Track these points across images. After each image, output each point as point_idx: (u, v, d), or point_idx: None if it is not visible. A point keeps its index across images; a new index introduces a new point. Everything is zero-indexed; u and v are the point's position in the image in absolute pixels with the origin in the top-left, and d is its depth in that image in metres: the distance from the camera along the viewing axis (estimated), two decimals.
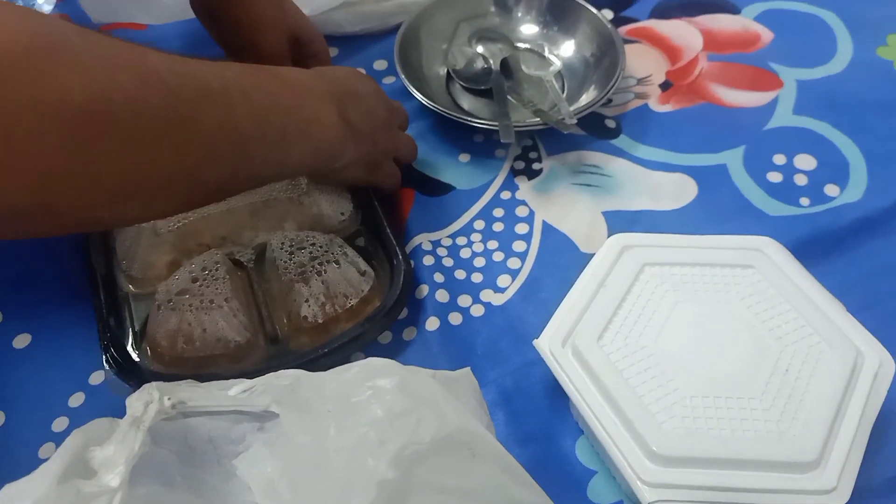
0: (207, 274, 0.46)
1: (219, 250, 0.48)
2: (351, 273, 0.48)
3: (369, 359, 0.32)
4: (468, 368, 0.36)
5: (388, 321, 0.48)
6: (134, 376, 0.43)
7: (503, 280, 0.52)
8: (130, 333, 0.46)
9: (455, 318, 0.50)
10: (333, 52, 0.68)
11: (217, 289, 0.45)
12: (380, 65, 0.67)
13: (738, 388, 0.38)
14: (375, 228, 0.52)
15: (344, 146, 0.46)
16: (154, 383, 0.29)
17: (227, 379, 0.34)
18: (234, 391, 0.32)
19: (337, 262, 0.48)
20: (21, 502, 0.25)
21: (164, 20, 0.68)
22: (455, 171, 0.59)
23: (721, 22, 0.69)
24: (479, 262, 0.53)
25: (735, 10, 0.70)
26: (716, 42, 0.67)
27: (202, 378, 0.36)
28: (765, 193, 0.56)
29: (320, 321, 0.46)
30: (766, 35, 0.68)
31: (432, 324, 0.50)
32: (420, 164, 0.59)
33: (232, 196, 0.47)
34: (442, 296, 0.51)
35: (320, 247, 0.48)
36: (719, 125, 0.61)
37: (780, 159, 0.58)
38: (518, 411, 0.46)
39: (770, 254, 0.44)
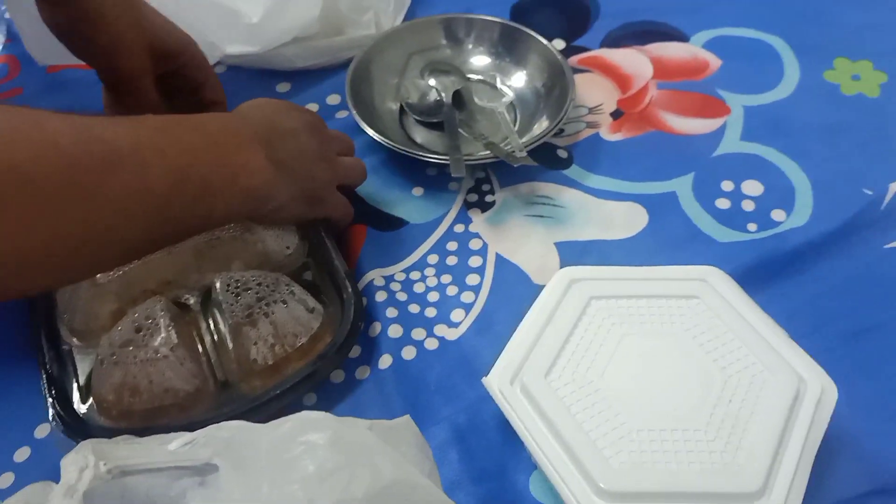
0: (151, 322, 0.45)
1: (163, 296, 0.48)
2: (299, 311, 0.48)
3: (303, 412, 0.31)
4: (408, 416, 0.36)
5: (341, 357, 0.48)
6: (80, 432, 0.42)
7: (457, 314, 0.52)
8: (76, 387, 0.45)
9: (409, 353, 0.50)
10: (285, 87, 0.68)
11: (161, 338, 0.44)
12: (333, 99, 0.67)
13: (684, 421, 0.39)
14: (324, 261, 0.52)
15: (275, 188, 0.45)
16: (89, 443, 0.29)
17: (178, 430, 0.34)
18: (175, 445, 0.31)
19: (284, 302, 0.48)
20: None
21: None
22: (408, 205, 0.59)
23: (670, 50, 0.70)
24: (433, 296, 0.53)
25: (684, 38, 0.71)
26: (665, 70, 0.68)
27: (152, 430, 0.36)
28: (713, 220, 0.57)
29: (270, 363, 0.46)
30: (715, 62, 0.69)
31: (385, 361, 0.50)
32: (373, 198, 0.59)
33: (156, 251, 0.47)
34: (395, 331, 0.51)
35: (267, 286, 0.48)
36: (669, 153, 0.62)
37: (728, 185, 0.59)
38: (471, 448, 0.46)
39: (714, 283, 0.45)
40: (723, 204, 0.58)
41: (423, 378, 0.49)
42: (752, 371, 0.41)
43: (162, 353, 0.44)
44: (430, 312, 0.52)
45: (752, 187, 0.59)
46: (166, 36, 0.55)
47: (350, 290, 0.49)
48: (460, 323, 0.52)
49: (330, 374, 0.48)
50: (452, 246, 0.56)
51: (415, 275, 0.55)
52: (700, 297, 0.44)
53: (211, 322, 0.49)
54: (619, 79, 0.68)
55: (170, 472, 0.31)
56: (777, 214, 0.57)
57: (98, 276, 0.48)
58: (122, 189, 0.36)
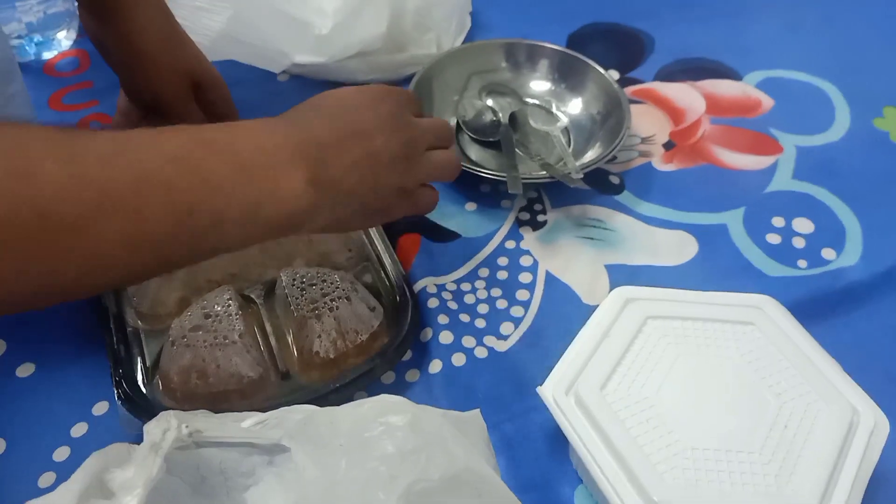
0: (220, 310, 0.46)
1: (229, 287, 0.49)
2: (361, 309, 0.49)
3: (382, 395, 0.32)
4: (478, 410, 0.37)
5: (398, 356, 0.49)
6: (145, 411, 0.43)
7: (506, 327, 0.53)
8: (140, 369, 0.47)
9: (458, 359, 0.51)
10: None
11: (230, 325, 0.46)
12: None
13: (738, 442, 0.39)
14: (382, 264, 0.53)
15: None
16: (171, 411, 0.30)
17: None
18: (248, 423, 0.32)
19: (348, 298, 0.49)
20: None
21: None
22: (461, 219, 0.60)
23: (723, 87, 0.72)
24: (483, 308, 0.54)
25: (737, 77, 0.73)
26: (718, 106, 0.70)
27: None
28: (763, 254, 0.57)
29: (332, 356, 0.47)
30: (767, 102, 0.70)
31: (435, 366, 0.51)
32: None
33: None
34: (446, 337, 0.52)
35: (331, 283, 0.49)
36: (720, 186, 0.63)
37: (778, 222, 0.60)
38: (518, 458, 0.46)
39: (769, 312, 0.45)
40: (773, 239, 0.59)
41: (472, 385, 0.50)
42: (806, 399, 0.41)
43: (231, 339, 0.45)
44: (480, 323, 0.53)
45: (803, 225, 0.59)
46: (206, 68, 0.56)
47: (407, 293, 0.50)
48: (509, 336, 0.53)
49: (386, 371, 0.49)
50: (503, 261, 0.57)
51: (465, 286, 0.56)
52: (756, 324, 0.44)
53: (273, 315, 0.50)
54: (672, 112, 0.69)
55: (241, 448, 0.32)
56: (827, 253, 0.57)
57: None
58: (110, 237, 0.32)
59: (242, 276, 0.51)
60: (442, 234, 0.59)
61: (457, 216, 0.61)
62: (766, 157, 0.65)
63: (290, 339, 0.48)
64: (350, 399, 0.41)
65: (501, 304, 0.55)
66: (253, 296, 0.50)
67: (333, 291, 0.49)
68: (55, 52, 0.72)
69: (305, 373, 0.47)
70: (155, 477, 0.27)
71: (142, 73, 0.53)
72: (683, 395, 0.41)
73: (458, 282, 0.56)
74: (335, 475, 0.29)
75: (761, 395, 0.41)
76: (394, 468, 0.28)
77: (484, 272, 0.57)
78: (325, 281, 0.49)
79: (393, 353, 0.48)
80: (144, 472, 0.27)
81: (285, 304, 0.48)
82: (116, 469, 0.27)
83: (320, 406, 0.33)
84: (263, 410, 0.35)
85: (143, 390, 0.45)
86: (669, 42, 0.76)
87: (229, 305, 0.47)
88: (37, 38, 0.71)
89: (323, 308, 0.48)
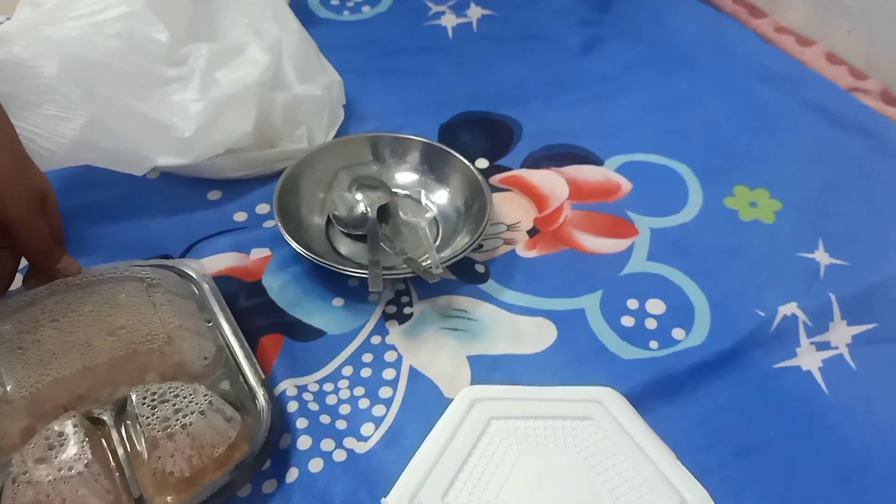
0: (64, 439, 0.45)
1: (76, 410, 0.48)
2: (217, 421, 0.48)
3: None
4: None
5: (257, 466, 0.48)
6: None
7: (367, 428, 0.53)
8: None
9: (315, 465, 0.51)
10: (216, 194, 0.70)
11: (76, 454, 0.44)
12: (262, 209, 0.69)
13: None
14: (239, 370, 0.53)
15: None
16: None
17: None
18: None
19: (202, 413, 0.48)
20: None
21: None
22: (327, 315, 0.61)
23: (586, 172, 0.75)
24: (345, 409, 0.54)
25: (598, 162, 0.76)
26: (580, 191, 0.73)
27: None
28: (618, 337, 0.60)
29: (187, 475, 0.46)
30: (626, 185, 0.74)
31: (292, 474, 0.50)
32: (293, 308, 0.61)
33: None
34: (304, 442, 0.52)
35: (184, 397, 0.49)
36: (580, 270, 0.65)
37: (633, 303, 0.63)
38: None
39: (608, 404, 0.47)
40: (627, 321, 0.61)
41: (329, 493, 0.49)
42: (638, 493, 0.43)
43: (76, 470, 0.44)
44: (341, 424, 0.53)
45: (656, 306, 0.62)
46: (47, 183, 0.55)
47: (265, 398, 0.50)
48: (370, 437, 0.53)
49: (245, 484, 0.49)
50: (368, 358, 0.58)
51: (328, 386, 0.56)
52: (593, 419, 0.46)
53: (125, 435, 0.49)
54: (537, 198, 0.72)
55: None
56: (677, 333, 0.60)
57: (8, 391, 0.48)
58: None
59: (91, 396, 0.49)
60: (306, 333, 0.59)
61: (323, 312, 0.61)
62: (623, 239, 0.68)
63: (140, 461, 0.47)
64: None
65: (363, 403, 0.55)
66: (104, 417, 0.49)
67: (186, 406, 0.48)
68: None
69: (161, 495, 0.46)
70: None
71: None
72: (523, 498, 0.42)
73: (320, 381, 0.56)
74: None
75: (596, 491, 0.42)
76: None
77: (347, 370, 0.57)
78: (177, 396, 0.49)
79: (252, 464, 0.48)
80: None
81: (137, 423, 0.48)
82: None
83: None
84: None
85: None
86: (537, 128, 0.79)
87: (75, 432, 0.46)
88: None
89: (175, 425, 0.47)
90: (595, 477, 0.43)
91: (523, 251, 0.67)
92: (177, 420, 0.47)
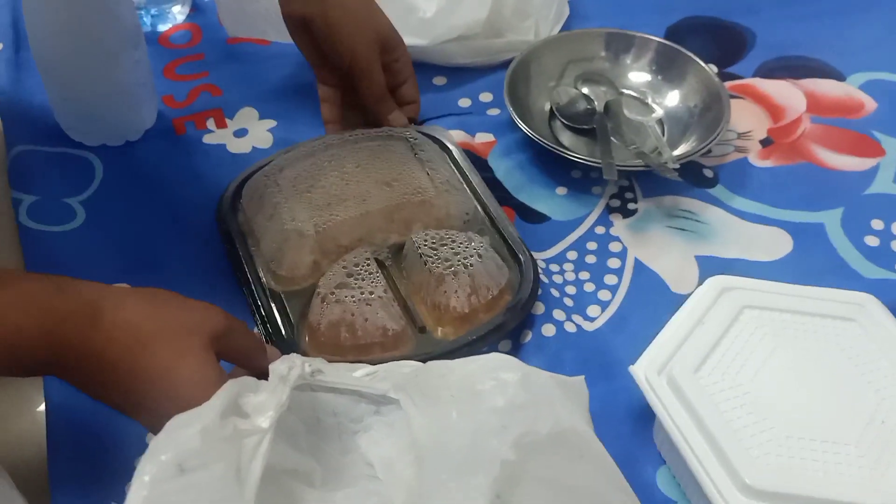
0: (360, 269, 0.49)
1: (366, 248, 0.52)
2: (491, 266, 0.51)
3: (492, 353, 0.33)
4: (582, 377, 0.37)
5: (524, 312, 0.51)
6: None
7: (593, 310, 0.54)
8: (282, 326, 0.50)
9: (548, 330, 0.52)
10: (441, 80, 0.71)
11: (372, 282, 0.49)
12: (485, 97, 0.70)
13: (834, 433, 0.39)
14: (498, 228, 0.56)
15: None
16: (293, 354, 0.32)
17: None
18: (359, 374, 0.34)
19: (480, 256, 0.51)
20: (191, 428, 0.27)
21: (288, 39, 0.73)
22: (552, 202, 0.61)
23: (825, 87, 0.70)
24: (571, 289, 0.55)
25: (840, 77, 0.71)
26: (819, 105, 0.68)
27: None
28: (861, 255, 0.56)
29: (466, 312, 0.49)
30: (870, 104, 0.68)
31: (525, 336, 0.52)
32: (519, 192, 0.61)
33: None
34: (537, 307, 0.53)
35: (460, 243, 0.52)
36: (818, 185, 0.62)
37: (878, 224, 0.59)
38: (601, 435, 0.46)
39: (871, 310, 0.45)
40: (872, 241, 0.57)
41: (561, 357, 0.51)
42: None
43: (377, 295, 0.48)
44: (568, 302, 0.54)
45: None
46: (391, 31, 0.59)
47: (528, 252, 0.53)
48: (596, 318, 0.53)
49: (513, 326, 0.51)
50: (592, 245, 0.58)
51: (554, 267, 0.56)
52: (856, 321, 0.44)
53: (402, 275, 0.52)
54: (772, 108, 0.68)
55: (352, 395, 0.34)
56: None
57: (304, 227, 0.52)
58: None
59: (367, 239, 0.53)
60: (532, 216, 0.60)
61: (547, 199, 0.61)
62: (868, 159, 0.64)
63: (421, 296, 0.51)
64: (476, 353, 0.43)
65: (589, 287, 0.55)
66: (381, 258, 0.53)
67: (465, 250, 0.51)
68: (169, 25, 0.75)
69: (440, 327, 0.50)
70: (284, 403, 0.29)
71: (344, 40, 0.56)
72: (779, 384, 0.41)
73: (546, 261, 0.57)
74: (445, 423, 0.30)
75: (859, 389, 0.41)
76: (504, 419, 0.29)
77: (572, 255, 0.57)
78: (454, 241, 0.51)
79: (520, 309, 0.50)
80: (275, 399, 0.29)
81: (418, 263, 0.51)
82: (250, 394, 0.29)
83: (456, 358, 0.35)
84: None
85: (290, 346, 0.48)
86: (771, 38, 0.75)
87: (368, 264, 0.50)
88: (153, 10, 0.74)
89: (458, 265, 0.50)
90: (859, 376, 0.41)
91: (756, 160, 0.64)
92: (458, 261, 0.50)
